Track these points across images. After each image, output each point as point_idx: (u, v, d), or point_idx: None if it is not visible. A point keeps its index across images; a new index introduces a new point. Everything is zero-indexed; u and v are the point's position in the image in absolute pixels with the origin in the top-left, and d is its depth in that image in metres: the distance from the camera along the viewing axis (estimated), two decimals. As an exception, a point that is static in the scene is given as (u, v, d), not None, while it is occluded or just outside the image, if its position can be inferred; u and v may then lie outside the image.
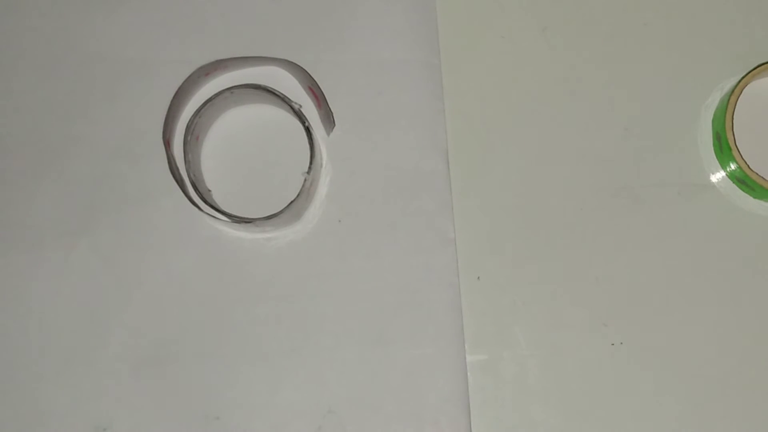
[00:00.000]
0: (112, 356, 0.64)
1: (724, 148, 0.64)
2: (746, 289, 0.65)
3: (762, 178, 0.62)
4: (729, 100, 0.63)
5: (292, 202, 0.62)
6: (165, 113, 0.64)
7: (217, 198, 0.65)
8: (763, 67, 0.64)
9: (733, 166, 0.64)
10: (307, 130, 0.63)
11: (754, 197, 0.65)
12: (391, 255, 0.65)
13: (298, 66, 0.65)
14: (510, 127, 0.66)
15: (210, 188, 0.65)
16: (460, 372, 0.63)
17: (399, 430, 0.63)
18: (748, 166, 0.63)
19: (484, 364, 0.64)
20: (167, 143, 0.63)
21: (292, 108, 0.63)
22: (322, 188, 0.66)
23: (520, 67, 0.67)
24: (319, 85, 0.65)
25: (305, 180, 0.62)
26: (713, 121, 0.66)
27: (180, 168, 0.64)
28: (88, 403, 0.64)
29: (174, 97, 0.64)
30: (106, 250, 0.65)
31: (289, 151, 0.65)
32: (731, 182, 0.66)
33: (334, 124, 0.65)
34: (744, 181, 0.64)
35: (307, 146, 0.63)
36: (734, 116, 0.63)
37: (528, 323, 0.65)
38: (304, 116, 0.63)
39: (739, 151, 0.63)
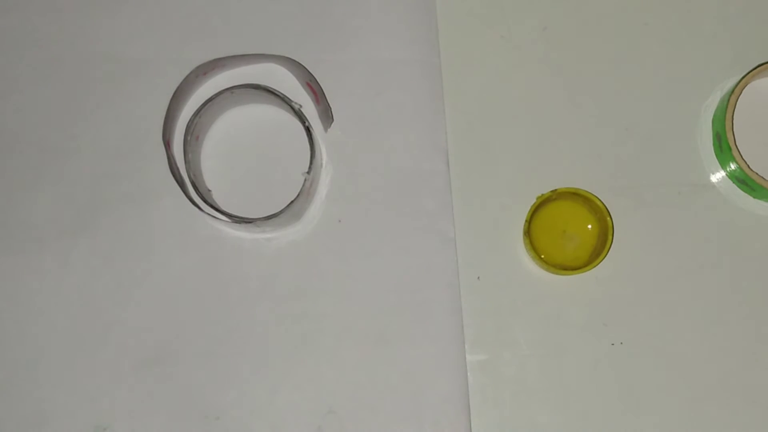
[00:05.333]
0: (112, 356, 0.64)
1: (724, 148, 0.64)
2: (746, 289, 0.65)
3: (762, 178, 0.62)
4: (729, 100, 0.63)
5: (292, 202, 0.62)
6: (164, 113, 0.64)
7: (217, 198, 0.65)
8: (763, 67, 0.64)
9: (733, 166, 0.64)
10: (308, 130, 0.63)
11: (754, 197, 0.65)
12: (391, 255, 0.65)
13: (296, 62, 0.65)
14: (510, 127, 0.66)
15: (210, 188, 0.65)
16: (460, 372, 0.63)
17: (399, 430, 0.63)
18: (748, 166, 0.63)
19: (484, 364, 0.64)
20: (167, 143, 0.63)
21: (292, 108, 0.63)
22: (322, 188, 0.66)
23: (520, 67, 0.67)
24: (319, 84, 0.65)
25: (305, 180, 0.62)
26: (713, 121, 0.66)
27: (180, 168, 0.64)
28: (88, 403, 0.64)
29: (172, 97, 0.64)
30: (106, 250, 0.65)
31: (289, 151, 0.65)
32: (731, 182, 0.66)
33: (333, 120, 0.65)
34: (744, 181, 0.64)
35: (307, 146, 0.63)
36: (734, 116, 0.63)
37: (528, 323, 0.65)
38: (305, 116, 0.63)
39: (739, 151, 0.63)
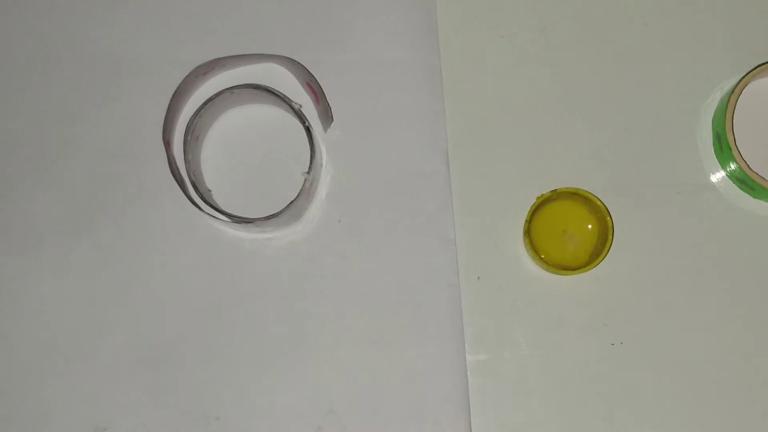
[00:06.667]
0: (112, 356, 0.64)
1: (724, 148, 0.64)
2: (746, 289, 0.65)
3: (762, 178, 0.62)
4: (729, 100, 0.63)
5: (292, 202, 0.62)
6: (164, 113, 0.64)
7: (217, 198, 0.65)
8: (763, 67, 0.64)
9: (733, 166, 0.64)
10: (308, 129, 0.63)
11: (754, 197, 0.65)
12: (391, 255, 0.65)
13: (296, 62, 0.65)
14: (510, 127, 0.66)
15: (210, 188, 0.65)
16: (460, 372, 0.63)
17: (399, 430, 0.63)
18: (748, 166, 0.63)
19: (484, 364, 0.64)
20: (167, 143, 0.63)
21: (292, 108, 0.63)
22: (322, 188, 0.66)
23: (520, 67, 0.67)
24: (319, 84, 0.65)
25: (305, 180, 0.62)
26: (713, 121, 0.66)
27: (180, 168, 0.64)
28: (88, 403, 0.64)
29: (173, 97, 0.64)
30: (107, 250, 0.65)
31: (289, 151, 0.65)
32: (731, 182, 0.66)
33: (332, 120, 0.65)
34: (744, 181, 0.64)
35: (307, 146, 0.63)
36: (734, 116, 0.63)
37: (528, 323, 0.65)
38: (305, 116, 0.64)
39: (739, 151, 0.63)
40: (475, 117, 0.67)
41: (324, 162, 0.66)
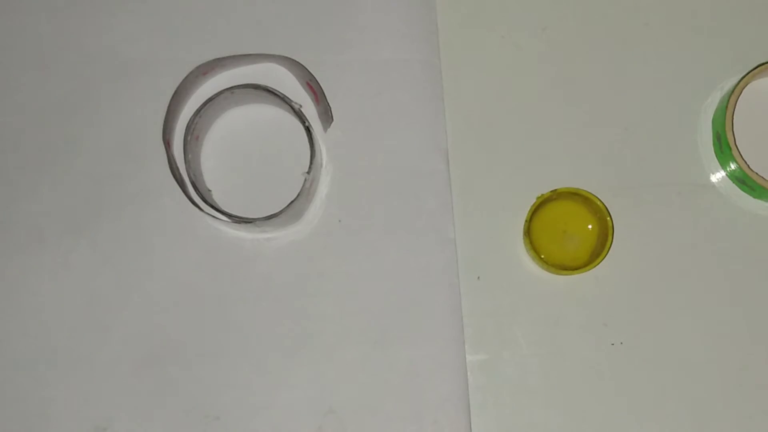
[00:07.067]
0: (112, 356, 0.64)
1: (724, 148, 0.64)
2: (746, 289, 0.65)
3: (762, 178, 0.62)
4: (729, 100, 0.63)
5: (292, 202, 0.62)
6: (164, 113, 0.64)
7: (217, 198, 0.65)
8: (763, 67, 0.64)
9: (733, 166, 0.64)
10: (308, 130, 0.63)
11: (754, 197, 0.65)
12: (391, 255, 0.65)
13: (296, 62, 0.65)
14: (510, 127, 0.66)
15: (210, 188, 0.65)
16: (460, 372, 0.63)
17: (399, 430, 0.63)
18: (748, 166, 0.63)
19: (484, 364, 0.64)
20: (167, 143, 0.63)
21: (292, 108, 0.63)
22: (322, 188, 0.66)
23: (520, 67, 0.67)
24: (319, 84, 0.65)
25: (305, 180, 0.62)
26: (713, 121, 0.66)
27: (180, 168, 0.64)
28: (88, 403, 0.64)
29: (173, 97, 0.64)
30: (107, 250, 0.65)
31: (289, 151, 0.65)
32: (731, 182, 0.66)
33: (332, 120, 0.65)
34: (744, 181, 0.64)
35: (307, 146, 0.63)
36: (734, 116, 0.63)
37: (528, 323, 0.65)
38: (305, 116, 0.64)
39: (739, 151, 0.63)
40: (475, 117, 0.67)
41: (324, 162, 0.66)
